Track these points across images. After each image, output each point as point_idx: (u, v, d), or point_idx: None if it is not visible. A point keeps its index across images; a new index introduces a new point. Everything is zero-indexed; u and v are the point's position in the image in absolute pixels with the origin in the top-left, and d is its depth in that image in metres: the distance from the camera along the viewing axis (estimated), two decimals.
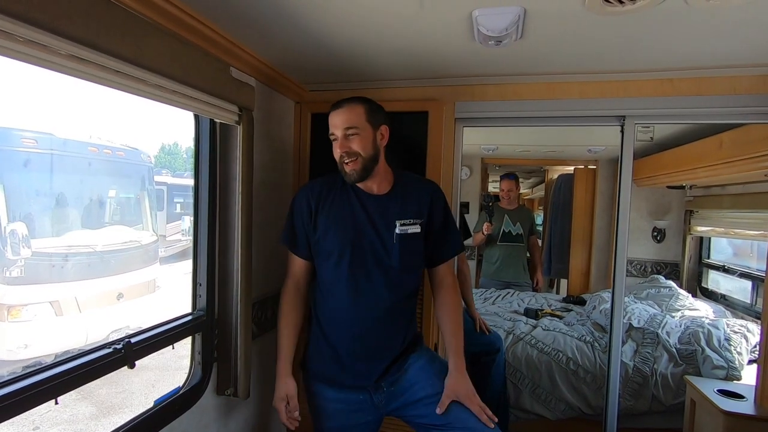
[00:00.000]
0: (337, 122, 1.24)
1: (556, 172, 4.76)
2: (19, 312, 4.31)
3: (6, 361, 4.27)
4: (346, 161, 1.23)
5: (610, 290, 3.30)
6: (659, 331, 2.39)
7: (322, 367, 1.32)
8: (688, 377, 1.98)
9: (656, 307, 2.90)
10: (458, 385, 1.26)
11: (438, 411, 1.23)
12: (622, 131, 1.66)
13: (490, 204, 3.35)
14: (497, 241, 3.49)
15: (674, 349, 2.28)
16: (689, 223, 3.48)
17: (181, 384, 1.33)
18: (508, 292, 3.44)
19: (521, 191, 7.82)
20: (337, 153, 1.26)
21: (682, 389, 2.10)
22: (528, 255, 3.66)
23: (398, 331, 1.32)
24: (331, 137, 1.27)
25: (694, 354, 2.23)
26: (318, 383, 1.32)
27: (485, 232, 3.33)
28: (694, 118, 1.60)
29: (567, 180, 4.28)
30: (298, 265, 1.36)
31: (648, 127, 1.93)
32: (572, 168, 4.21)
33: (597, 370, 2.23)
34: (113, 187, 5.77)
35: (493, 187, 5.59)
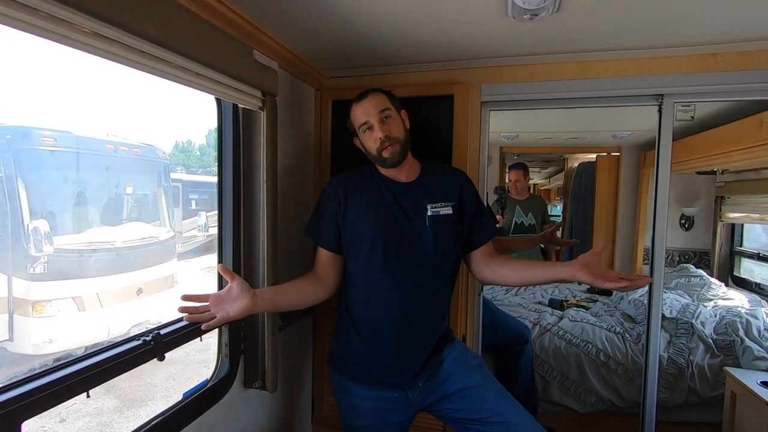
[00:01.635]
0: (370, 108, 1.21)
1: (576, 161, 4.64)
2: (43, 307, 4.39)
3: (32, 356, 4.36)
4: (386, 145, 1.20)
5: None
6: (693, 321, 2.30)
7: (354, 363, 1.28)
8: (728, 369, 1.90)
9: (687, 296, 2.81)
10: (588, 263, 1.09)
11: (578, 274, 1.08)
12: (660, 111, 1.57)
13: (502, 195, 3.27)
14: (509, 233, 3.42)
15: (710, 340, 2.19)
16: (720, 210, 3.36)
17: (208, 377, 1.31)
18: None
19: (537, 181, 7.70)
20: (375, 138, 1.21)
21: (720, 381, 2.01)
22: (542, 246, 3.59)
23: (434, 321, 1.27)
24: (363, 126, 1.23)
25: (732, 344, 2.13)
26: (349, 380, 1.28)
27: (498, 225, 3.26)
28: (740, 94, 1.50)
29: (588, 168, 4.17)
30: (323, 257, 1.31)
31: (688, 106, 1.84)
32: (594, 156, 4.09)
33: (629, 362, 2.15)
34: (130, 183, 5.83)
35: (509, 178, 5.49)
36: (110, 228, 5.30)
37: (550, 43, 1.45)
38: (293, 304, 1.29)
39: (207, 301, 1.03)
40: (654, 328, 1.63)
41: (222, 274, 1.09)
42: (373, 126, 1.21)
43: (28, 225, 4.30)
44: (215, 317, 1.02)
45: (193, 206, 10.16)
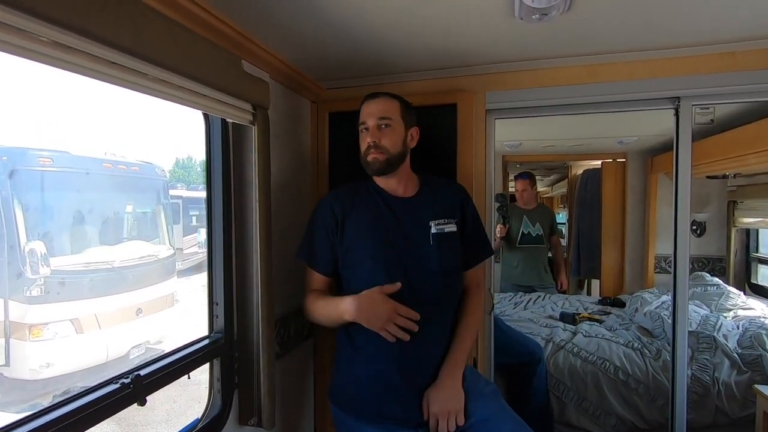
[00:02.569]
0: (373, 111, 1.18)
1: (579, 168, 4.56)
2: (40, 331, 4.29)
3: (29, 381, 4.25)
4: (371, 150, 1.16)
5: (652, 290, 3.15)
6: (716, 335, 2.17)
7: (359, 397, 1.17)
8: (758, 387, 1.77)
9: (705, 307, 2.68)
10: (432, 392, 1.13)
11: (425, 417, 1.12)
12: (676, 114, 1.48)
13: (503, 204, 3.17)
14: (516, 244, 3.32)
15: (735, 355, 2.06)
16: (733, 215, 3.25)
17: (199, 416, 1.19)
18: (539, 296, 3.25)
19: (539, 189, 7.62)
20: (365, 142, 1.18)
21: (750, 399, 1.88)
22: (550, 256, 3.48)
23: (443, 344, 1.18)
24: (362, 126, 1.20)
25: (759, 359, 2.01)
26: (353, 417, 1.17)
27: (499, 235, 3.16)
28: (762, 95, 1.41)
29: (594, 175, 4.08)
30: (317, 281, 1.25)
31: (707, 108, 1.76)
32: (599, 162, 4.00)
33: (650, 380, 2.03)
34: (129, 202, 5.76)
35: (512, 187, 5.41)
36: (109, 247, 5.22)
37: (558, 46, 1.37)
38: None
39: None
40: (680, 346, 1.52)
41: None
42: (369, 128, 1.19)
43: (24, 247, 4.22)
44: None
45: (194, 222, 10.11)
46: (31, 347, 4.24)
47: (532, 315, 2.83)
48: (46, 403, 4.18)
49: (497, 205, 3.22)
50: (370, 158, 1.18)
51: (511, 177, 4.46)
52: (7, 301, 4.17)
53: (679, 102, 1.46)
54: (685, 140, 1.48)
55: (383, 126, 1.18)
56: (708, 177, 3.25)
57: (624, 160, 3.79)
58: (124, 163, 5.49)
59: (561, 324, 2.60)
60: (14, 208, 4.21)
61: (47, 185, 4.56)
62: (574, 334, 2.42)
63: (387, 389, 1.14)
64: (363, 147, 1.20)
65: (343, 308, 1.12)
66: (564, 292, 3.51)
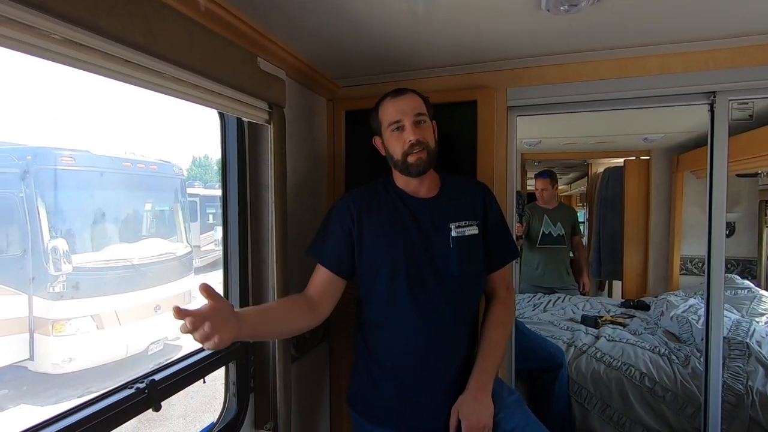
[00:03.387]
0: (405, 108, 1.10)
1: (600, 166, 4.43)
2: (63, 326, 4.39)
3: (52, 375, 4.36)
4: (415, 149, 1.08)
5: (677, 293, 3.04)
6: (749, 341, 2.07)
7: (381, 405, 1.13)
8: None
9: (735, 311, 2.56)
10: (464, 404, 1.06)
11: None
12: (712, 110, 1.40)
13: (519, 202, 3.09)
14: (537, 244, 3.23)
15: None
16: (765, 215, 3.10)
17: (215, 420, 1.18)
18: (559, 297, 3.16)
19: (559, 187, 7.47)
20: (404, 141, 1.09)
21: None
22: (572, 257, 3.38)
23: (465, 351, 1.15)
24: (394, 125, 1.11)
25: None
26: (374, 424, 1.14)
27: (517, 233, 3.08)
28: None
29: (616, 173, 3.95)
30: (321, 279, 1.14)
31: (746, 103, 1.66)
32: (621, 160, 3.88)
33: (678, 388, 1.94)
34: (148, 200, 5.85)
35: (531, 186, 5.31)
36: (128, 245, 5.30)
37: (585, 40, 1.30)
38: (277, 332, 1.08)
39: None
40: (714, 353, 1.44)
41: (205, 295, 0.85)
42: (405, 127, 1.09)
43: (47, 244, 4.32)
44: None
45: (211, 220, 10.23)
46: (54, 342, 4.34)
47: (552, 317, 2.75)
48: (66, 395, 4.29)
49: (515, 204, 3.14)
50: (413, 159, 1.09)
51: (530, 175, 4.36)
52: (32, 297, 4.28)
53: (714, 97, 1.38)
54: (721, 137, 1.40)
55: (421, 122, 1.11)
56: (738, 175, 3.11)
57: (648, 157, 3.66)
58: (143, 161, 5.58)
59: (583, 327, 2.52)
60: (38, 206, 4.31)
61: (69, 184, 4.66)
62: (597, 338, 2.34)
63: (405, 396, 1.11)
64: (399, 147, 1.10)
65: None
66: (585, 294, 3.41)
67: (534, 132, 3.03)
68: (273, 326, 1.02)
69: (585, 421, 2.03)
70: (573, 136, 3.17)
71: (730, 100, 1.38)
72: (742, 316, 2.47)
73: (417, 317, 1.09)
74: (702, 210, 3.36)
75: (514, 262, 1.39)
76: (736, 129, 2.46)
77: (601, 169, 4.30)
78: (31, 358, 4.32)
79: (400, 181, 1.18)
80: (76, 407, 0.78)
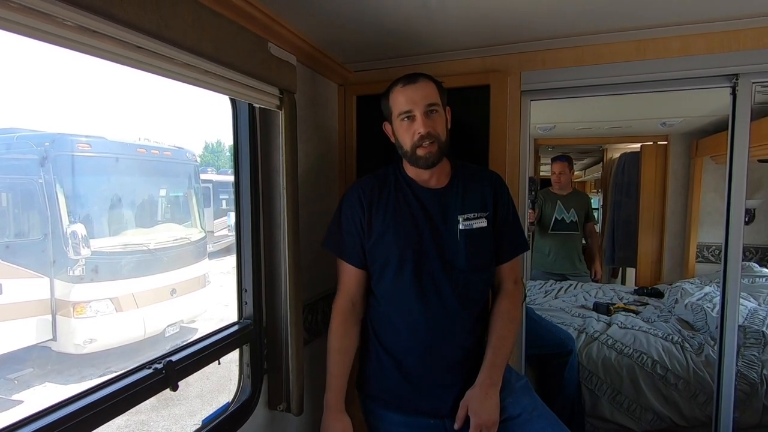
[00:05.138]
0: (416, 97, 1.06)
1: (616, 151, 4.34)
2: (83, 308, 4.52)
3: (74, 355, 4.52)
4: (425, 143, 1.06)
5: (692, 280, 3.00)
6: (765, 330, 2.04)
7: (387, 388, 1.15)
8: None
9: (752, 300, 2.52)
10: (474, 399, 1.07)
11: (456, 426, 1.07)
12: (733, 93, 1.35)
13: (532, 188, 3.05)
14: (549, 230, 3.19)
15: None
16: None
17: (230, 400, 1.21)
18: (570, 284, 3.15)
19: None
20: (414, 132, 1.07)
21: None
22: (584, 243, 3.34)
23: (471, 340, 1.15)
24: (404, 115, 1.08)
25: None
26: (381, 406, 1.16)
27: (529, 220, 3.05)
28: None
29: (632, 159, 3.87)
30: (349, 275, 1.18)
31: None
32: (637, 145, 3.79)
33: (690, 376, 1.93)
34: (163, 186, 5.93)
35: (544, 171, 5.24)
36: (144, 230, 5.41)
37: (602, 21, 1.27)
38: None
39: None
40: (729, 341, 1.43)
41: None
42: (416, 117, 1.07)
43: (66, 229, 4.43)
44: None
45: (224, 206, 10.36)
46: (75, 323, 4.48)
47: (563, 304, 2.74)
48: (88, 374, 4.45)
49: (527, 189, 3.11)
50: (422, 152, 1.06)
51: (544, 161, 4.30)
52: (53, 280, 4.41)
53: (737, 79, 1.34)
54: (743, 121, 1.35)
55: (432, 112, 1.07)
56: (759, 161, 3.02)
57: (666, 142, 3.57)
58: (157, 147, 5.64)
59: (594, 314, 2.51)
60: (57, 192, 4.41)
61: (86, 170, 4.73)
62: (609, 325, 2.33)
63: (412, 381, 1.12)
64: (409, 139, 1.08)
65: (326, 398, 1.16)
66: (597, 281, 3.39)
67: (548, 117, 2.98)
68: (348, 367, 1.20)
69: (595, 408, 2.04)
70: (588, 120, 3.11)
71: (753, 82, 1.33)
72: (759, 305, 2.43)
73: (424, 307, 1.10)
74: (720, 196, 3.28)
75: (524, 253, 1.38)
76: (759, 113, 2.39)
77: (617, 155, 4.21)
78: (54, 338, 4.48)
79: (410, 170, 1.16)
80: (98, 385, 0.81)
